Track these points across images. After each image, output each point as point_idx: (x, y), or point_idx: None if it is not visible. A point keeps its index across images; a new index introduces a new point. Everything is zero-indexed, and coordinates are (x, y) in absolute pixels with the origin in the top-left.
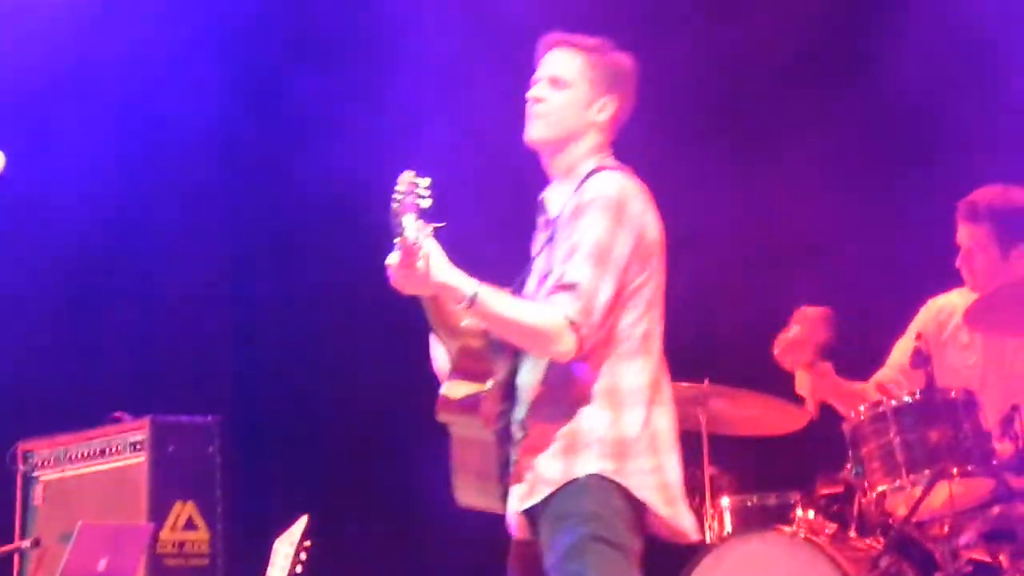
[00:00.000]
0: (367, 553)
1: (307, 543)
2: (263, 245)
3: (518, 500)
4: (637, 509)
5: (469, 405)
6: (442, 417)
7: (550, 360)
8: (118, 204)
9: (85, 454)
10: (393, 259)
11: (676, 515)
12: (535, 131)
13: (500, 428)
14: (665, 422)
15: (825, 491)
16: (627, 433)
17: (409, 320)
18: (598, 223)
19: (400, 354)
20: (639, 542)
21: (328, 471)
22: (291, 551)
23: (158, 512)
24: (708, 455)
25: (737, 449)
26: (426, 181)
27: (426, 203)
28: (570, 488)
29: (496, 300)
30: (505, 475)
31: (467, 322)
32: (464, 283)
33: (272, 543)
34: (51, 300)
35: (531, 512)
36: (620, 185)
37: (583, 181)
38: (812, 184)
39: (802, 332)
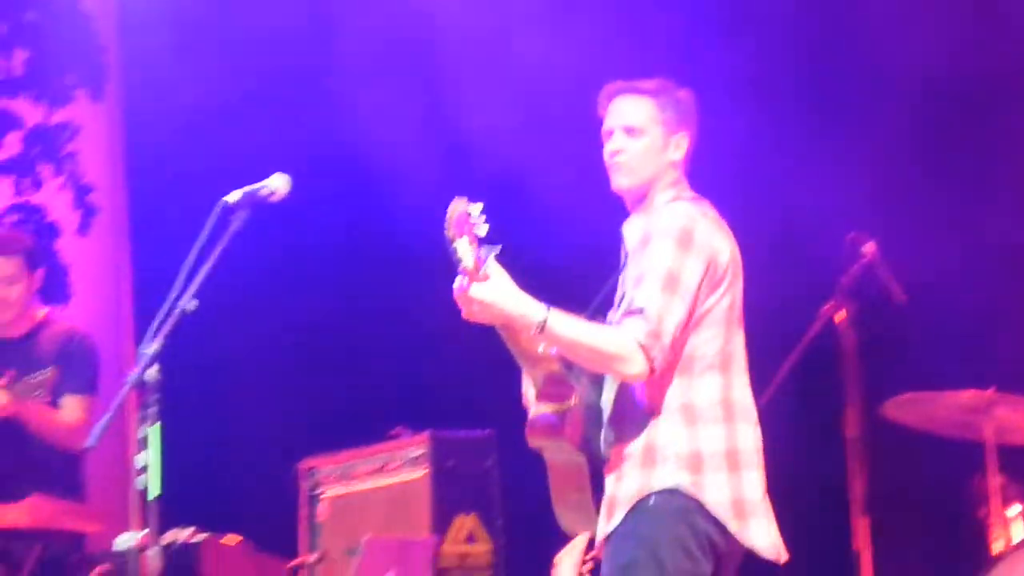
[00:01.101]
0: None
1: (588, 558)
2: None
3: (603, 523)
4: (711, 526)
5: (555, 428)
6: (532, 442)
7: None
8: (392, 216)
9: (366, 470)
10: (458, 288)
11: (745, 531)
12: (620, 181)
13: (591, 451)
14: (747, 439)
15: None
16: (703, 448)
17: None
18: (665, 250)
19: None
20: (709, 564)
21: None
22: (573, 565)
23: (440, 526)
24: (995, 464)
25: None
26: (478, 207)
27: (482, 229)
28: (640, 507)
29: (566, 324)
30: (600, 497)
31: (545, 348)
32: (533, 309)
33: (553, 557)
34: (328, 318)
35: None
36: (687, 214)
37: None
38: None
39: None
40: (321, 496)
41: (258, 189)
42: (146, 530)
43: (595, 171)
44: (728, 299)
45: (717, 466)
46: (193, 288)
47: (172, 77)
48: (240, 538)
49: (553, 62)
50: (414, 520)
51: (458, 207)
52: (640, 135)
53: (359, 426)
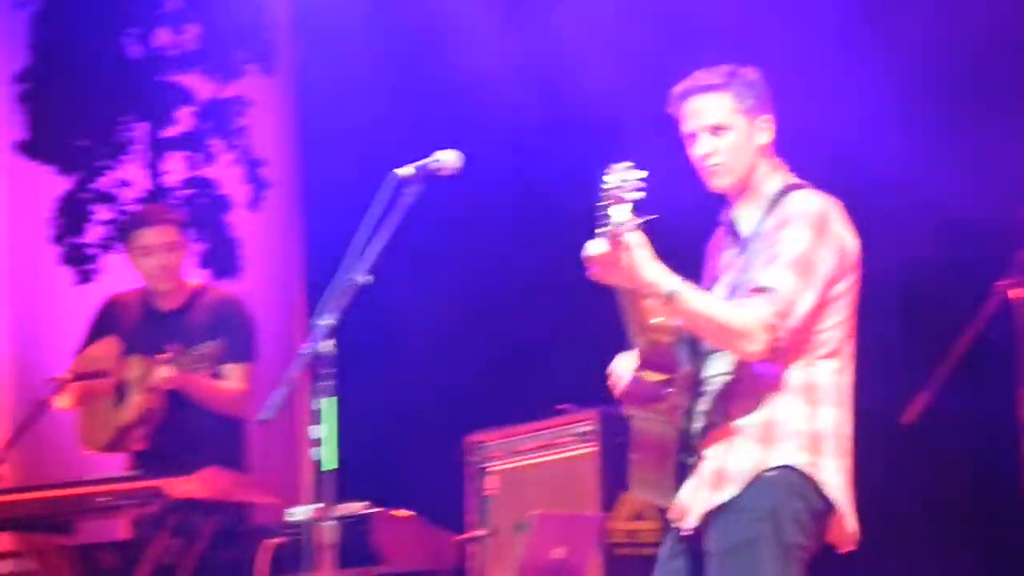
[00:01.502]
0: None
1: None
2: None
3: (705, 494)
4: (820, 508)
5: (655, 398)
6: (628, 409)
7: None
8: (564, 190)
9: (533, 446)
10: (594, 249)
11: (854, 521)
12: (720, 183)
13: (682, 423)
14: (851, 427)
15: None
16: (822, 429)
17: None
18: (802, 236)
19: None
20: (815, 543)
21: None
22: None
23: (608, 502)
24: None
25: None
26: (642, 173)
27: (639, 195)
28: (757, 483)
29: (695, 297)
30: (682, 471)
31: (658, 319)
32: (665, 278)
33: None
34: (498, 293)
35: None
36: (822, 203)
37: (778, 198)
38: None
39: None
40: (488, 470)
41: (429, 163)
42: (320, 502)
43: None
44: (854, 290)
45: (833, 450)
46: (367, 261)
47: (343, 50)
48: (411, 512)
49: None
50: (582, 496)
51: (620, 169)
52: (726, 132)
53: (526, 401)
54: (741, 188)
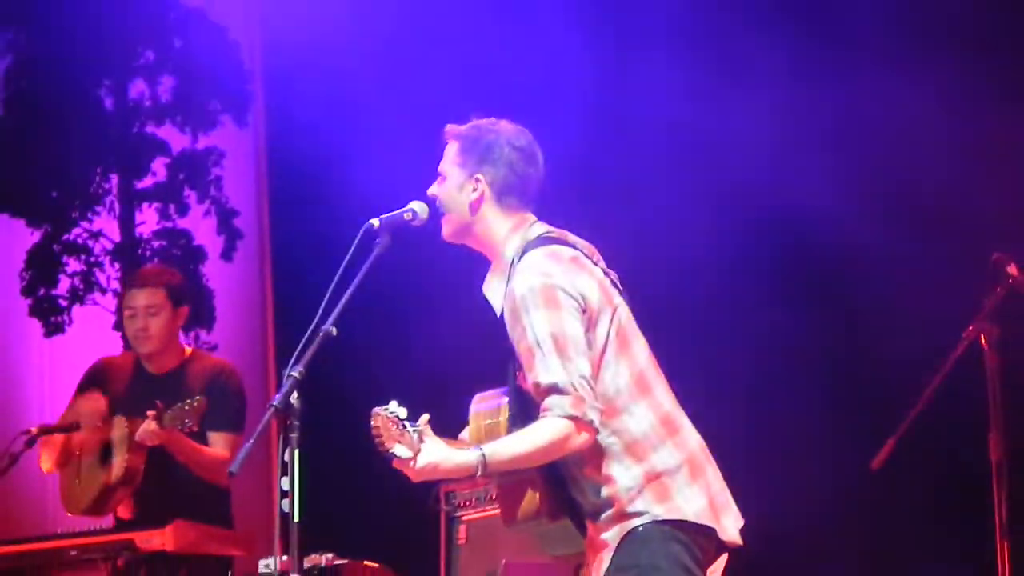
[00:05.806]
0: None
1: None
2: None
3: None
4: (698, 536)
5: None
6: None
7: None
8: None
9: None
10: (404, 454)
11: (724, 528)
12: (444, 228)
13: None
14: (694, 442)
15: None
16: (664, 471)
17: None
18: (541, 318)
19: None
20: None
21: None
22: None
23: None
24: None
25: None
26: (393, 404)
27: (403, 413)
28: (629, 539)
29: (503, 449)
30: None
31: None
32: (468, 456)
33: None
34: (465, 340)
35: None
36: (540, 270)
37: (514, 267)
38: None
39: None
40: (460, 519)
41: (401, 214)
42: (288, 554)
43: None
44: (615, 327)
45: (684, 481)
46: (336, 313)
47: (313, 102)
48: (380, 564)
49: None
50: None
51: (379, 419)
52: (443, 179)
53: None
54: (466, 241)
